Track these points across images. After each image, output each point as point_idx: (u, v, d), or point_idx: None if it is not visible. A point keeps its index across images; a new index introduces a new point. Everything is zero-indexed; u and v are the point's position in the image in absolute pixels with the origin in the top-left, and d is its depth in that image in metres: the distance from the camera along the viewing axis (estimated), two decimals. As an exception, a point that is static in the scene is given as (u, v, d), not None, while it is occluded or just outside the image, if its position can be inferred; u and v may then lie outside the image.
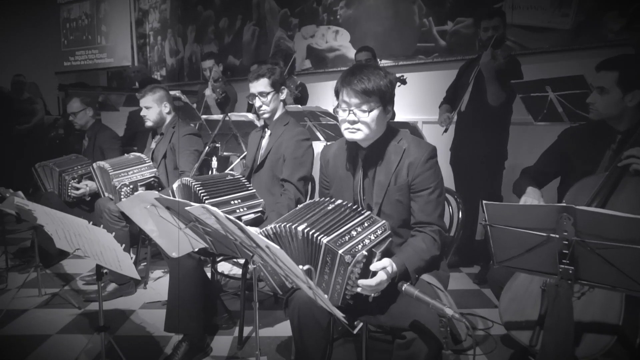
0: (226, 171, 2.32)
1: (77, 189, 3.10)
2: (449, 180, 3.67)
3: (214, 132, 2.82)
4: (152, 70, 7.19)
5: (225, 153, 3.36)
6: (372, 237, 1.44)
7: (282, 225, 1.49)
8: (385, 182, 1.63)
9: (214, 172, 2.77)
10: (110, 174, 2.64)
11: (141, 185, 2.68)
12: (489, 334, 2.33)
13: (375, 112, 1.57)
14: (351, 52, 4.40)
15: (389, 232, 1.50)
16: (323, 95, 4.77)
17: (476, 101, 3.02)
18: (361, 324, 1.44)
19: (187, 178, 2.10)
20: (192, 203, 1.33)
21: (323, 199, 1.64)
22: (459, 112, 3.16)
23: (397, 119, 4.18)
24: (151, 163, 2.78)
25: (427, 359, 1.42)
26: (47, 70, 7.38)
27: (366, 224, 1.48)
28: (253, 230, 1.26)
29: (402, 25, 4.12)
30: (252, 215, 1.94)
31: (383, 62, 4.24)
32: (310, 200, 1.69)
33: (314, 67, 4.86)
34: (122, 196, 2.60)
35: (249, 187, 2.11)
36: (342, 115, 1.60)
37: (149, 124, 2.94)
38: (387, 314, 1.50)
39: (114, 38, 7.13)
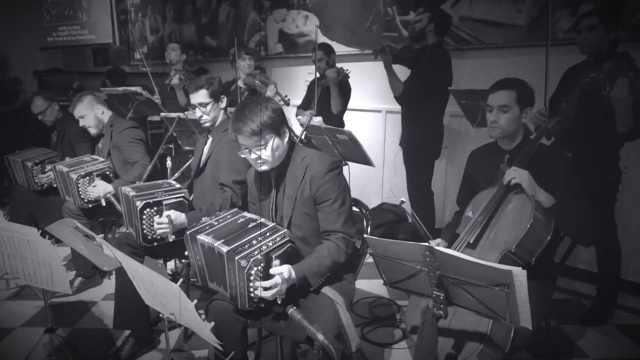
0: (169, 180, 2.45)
1: (44, 172, 3.22)
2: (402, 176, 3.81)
3: (168, 133, 2.92)
4: (134, 47, 7.18)
5: (186, 147, 3.46)
6: (270, 244, 1.61)
7: (193, 235, 1.67)
8: (292, 196, 1.80)
9: (169, 170, 2.90)
10: (66, 171, 2.76)
11: (97, 175, 2.81)
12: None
13: (270, 143, 1.74)
14: (320, 38, 4.40)
15: (288, 238, 1.66)
16: (295, 80, 4.81)
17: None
18: (233, 352, 1.61)
19: (125, 188, 2.24)
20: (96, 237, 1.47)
21: (237, 212, 1.82)
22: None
23: (363, 107, 4.27)
24: (104, 159, 2.92)
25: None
26: (33, 46, 7.35)
27: (268, 234, 1.65)
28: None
29: (368, 13, 4.11)
30: (173, 200, 2.15)
31: (350, 50, 4.27)
32: (225, 212, 1.84)
33: (285, 52, 4.88)
34: (79, 188, 2.73)
35: (176, 185, 2.29)
36: (246, 155, 1.78)
37: (92, 131, 3.02)
38: (287, 325, 1.67)
39: (95, 14, 7.07)
